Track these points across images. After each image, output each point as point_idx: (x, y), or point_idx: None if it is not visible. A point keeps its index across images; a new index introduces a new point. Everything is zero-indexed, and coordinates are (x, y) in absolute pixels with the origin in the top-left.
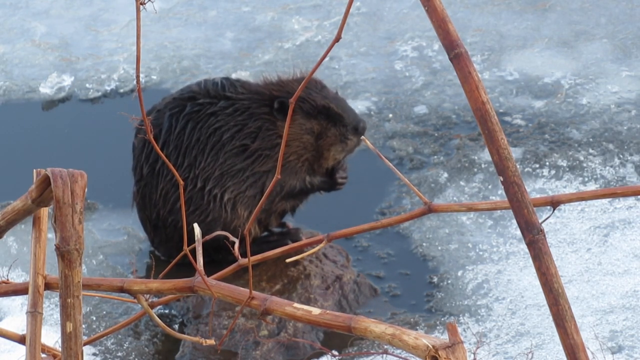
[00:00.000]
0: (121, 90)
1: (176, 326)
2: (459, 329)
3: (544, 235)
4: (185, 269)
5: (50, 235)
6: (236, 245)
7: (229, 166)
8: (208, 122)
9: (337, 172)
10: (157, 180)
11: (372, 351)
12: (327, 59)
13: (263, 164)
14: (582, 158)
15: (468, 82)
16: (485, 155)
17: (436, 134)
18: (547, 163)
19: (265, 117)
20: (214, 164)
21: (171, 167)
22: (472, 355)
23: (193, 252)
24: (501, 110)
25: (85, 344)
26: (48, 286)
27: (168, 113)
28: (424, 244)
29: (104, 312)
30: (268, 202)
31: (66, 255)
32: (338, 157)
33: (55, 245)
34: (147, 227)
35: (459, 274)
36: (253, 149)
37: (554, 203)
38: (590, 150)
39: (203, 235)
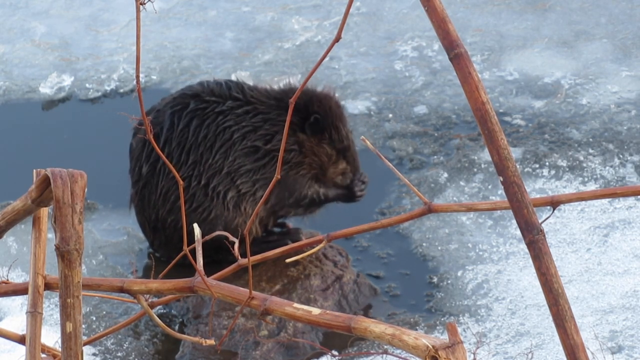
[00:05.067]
0: (121, 90)
1: (176, 326)
2: (459, 329)
3: (544, 236)
4: (185, 269)
5: (50, 235)
6: (236, 246)
7: (238, 165)
8: (217, 120)
9: (356, 184)
10: (157, 179)
11: (372, 351)
12: (327, 59)
13: (275, 168)
14: (582, 158)
15: (468, 82)
16: (485, 155)
17: (436, 134)
18: (547, 163)
19: (284, 123)
20: (223, 161)
21: (171, 167)
22: (472, 355)
23: (193, 252)
24: (501, 110)
25: (85, 344)
26: (48, 286)
27: (169, 111)
28: (424, 244)
29: (104, 312)
30: (276, 206)
31: (66, 255)
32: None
33: (55, 245)
34: (146, 229)
35: (459, 274)
36: (266, 151)
37: (554, 203)
38: (590, 150)
39: (205, 233)
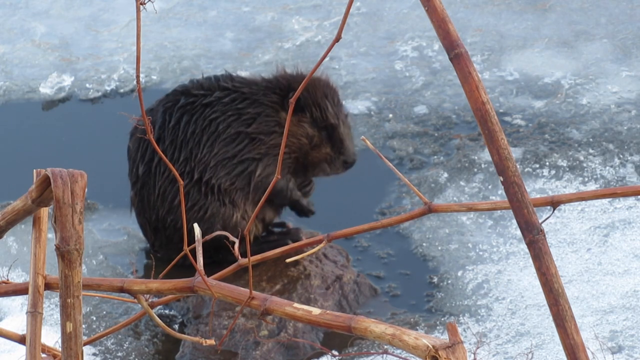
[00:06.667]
0: (121, 90)
1: (176, 326)
2: (459, 329)
3: (544, 235)
4: (185, 269)
5: (50, 235)
6: (236, 245)
7: (222, 155)
8: (203, 113)
9: (310, 203)
10: (154, 179)
11: (372, 351)
12: (327, 59)
13: (254, 149)
14: (582, 158)
15: (468, 82)
16: (485, 155)
17: (436, 134)
18: (547, 163)
19: (269, 104)
20: (209, 154)
21: (171, 166)
22: (472, 355)
23: (193, 252)
24: (501, 110)
25: (85, 344)
26: (48, 286)
27: (162, 109)
28: (424, 244)
29: (104, 312)
30: (252, 187)
31: (66, 255)
32: (316, 174)
33: (55, 245)
34: (146, 230)
35: (459, 274)
36: (247, 133)
37: (554, 203)
38: (590, 150)
39: (203, 232)
